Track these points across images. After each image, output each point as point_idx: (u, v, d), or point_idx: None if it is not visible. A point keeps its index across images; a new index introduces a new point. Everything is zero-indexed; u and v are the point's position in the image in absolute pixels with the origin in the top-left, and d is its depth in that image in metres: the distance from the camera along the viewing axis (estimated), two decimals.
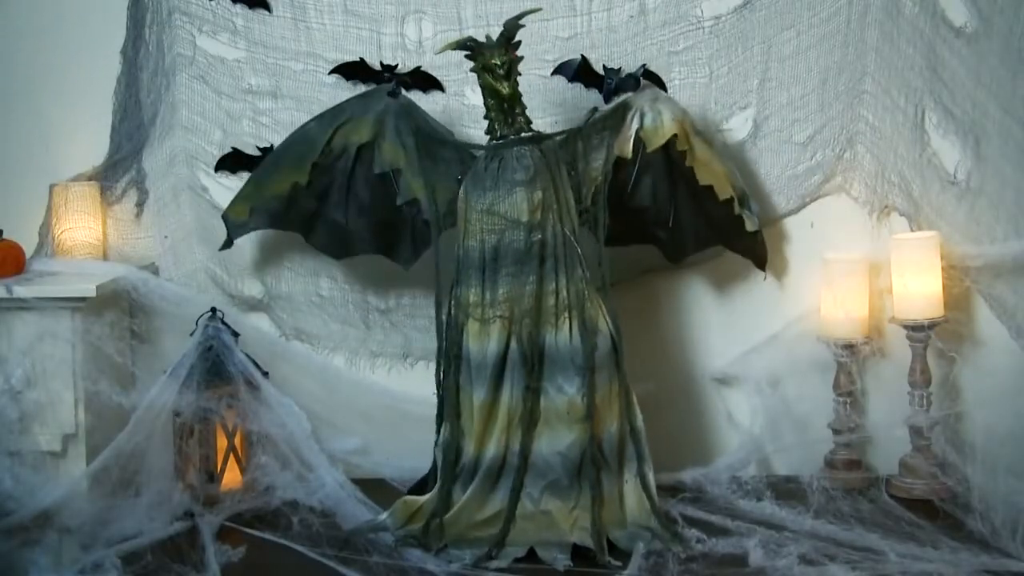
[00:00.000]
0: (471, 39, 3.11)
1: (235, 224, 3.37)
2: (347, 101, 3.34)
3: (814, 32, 3.46)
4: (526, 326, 2.98)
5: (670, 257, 3.44)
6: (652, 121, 3.19)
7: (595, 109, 3.27)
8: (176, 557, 2.85)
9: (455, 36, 3.49)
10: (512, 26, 3.08)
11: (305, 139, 3.30)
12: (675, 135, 3.18)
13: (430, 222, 3.20)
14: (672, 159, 3.22)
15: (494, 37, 3.09)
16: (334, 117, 3.30)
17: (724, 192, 3.25)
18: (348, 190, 3.32)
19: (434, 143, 3.24)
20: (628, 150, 3.19)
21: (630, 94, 3.30)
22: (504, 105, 3.07)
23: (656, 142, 3.18)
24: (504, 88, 3.04)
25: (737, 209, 3.27)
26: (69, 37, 3.58)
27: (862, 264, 3.39)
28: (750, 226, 3.29)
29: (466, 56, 3.10)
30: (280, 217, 3.38)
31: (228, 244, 3.40)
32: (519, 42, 3.09)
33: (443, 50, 3.16)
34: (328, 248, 3.45)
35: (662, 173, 3.25)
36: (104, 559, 2.83)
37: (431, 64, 3.51)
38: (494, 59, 3.04)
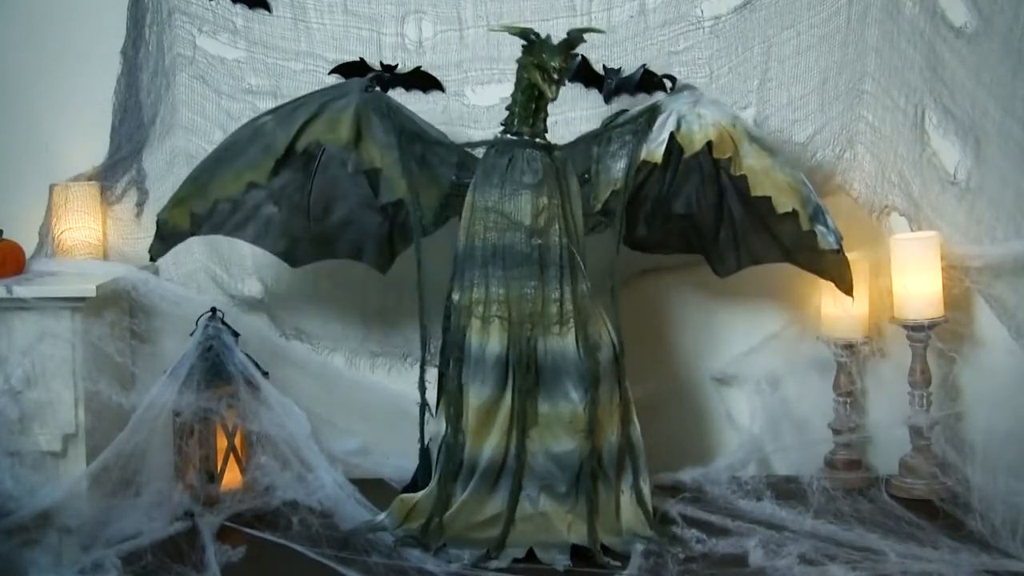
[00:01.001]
0: (535, 32, 3.00)
1: (172, 231, 3.11)
2: (308, 97, 3.15)
3: (814, 32, 3.46)
4: (526, 330, 2.94)
5: (717, 270, 3.33)
6: (689, 125, 3.01)
7: (622, 112, 3.20)
8: (176, 557, 2.85)
9: (455, 36, 3.50)
10: (577, 37, 3.01)
11: (261, 136, 3.07)
12: (710, 141, 3.00)
13: (413, 225, 3.08)
14: (720, 166, 3.08)
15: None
16: (295, 113, 3.07)
17: (784, 204, 3.00)
18: (313, 191, 3.19)
19: (420, 143, 3.11)
20: (659, 155, 3.02)
21: (662, 96, 3.21)
22: (537, 106, 2.99)
23: (693, 147, 3.01)
24: (551, 93, 2.95)
25: (807, 224, 3.01)
26: (69, 37, 3.58)
27: (862, 264, 3.38)
28: (824, 244, 3.03)
29: (523, 46, 3.00)
30: (224, 221, 3.19)
31: (159, 253, 3.15)
32: (578, 55, 3.03)
33: (502, 29, 3.05)
34: (285, 254, 3.31)
35: (708, 180, 3.13)
36: (104, 559, 2.82)
37: (431, 64, 3.51)
38: (553, 62, 2.93)
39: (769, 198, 3.01)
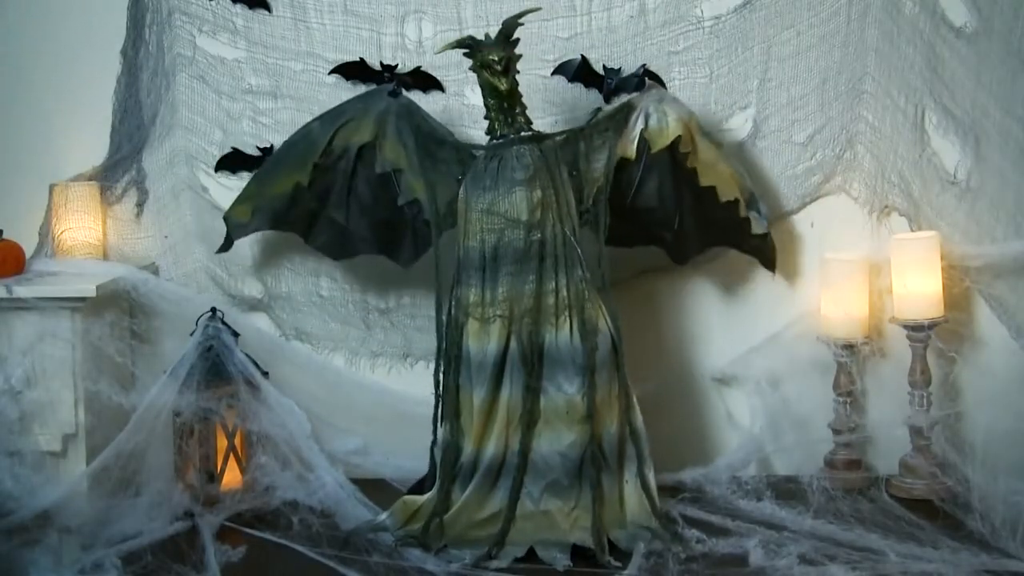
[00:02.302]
0: (470, 37, 3.12)
1: (237, 225, 3.38)
2: (348, 102, 3.34)
3: (814, 32, 3.46)
4: (526, 325, 2.97)
5: (675, 258, 3.42)
6: (657, 122, 3.18)
7: (599, 109, 3.27)
8: (176, 557, 2.85)
9: (455, 36, 3.49)
10: (510, 24, 3.08)
11: (307, 139, 3.30)
12: (679, 136, 3.16)
13: (431, 222, 3.19)
14: (677, 160, 3.21)
15: (494, 36, 3.09)
16: (335, 118, 3.29)
17: (727, 194, 3.23)
18: (349, 190, 3.32)
19: (434, 143, 3.23)
20: (632, 151, 3.17)
21: (635, 94, 3.29)
22: (503, 103, 3.07)
23: (661, 143, 3.17)
24: (502, 84, 3.04)
25: (743, 211, 3.25)
26: (69, 37, 3.58)
27: (862, 264, 3.39)
28: (757, 228, 3.29)
29: (465, 54, 3.10)
30: (281, 218, 3.38)
31: (227, 246, 3.42)
32: (517, 40, 3.09)
33: (443, 50, 3.17)
34: (327, 248, 3.45)
35: (667, 174, 3.23)
36: (104, 559, 2.83)
37: (431, 64, 3.51)
38: (491, 55, 3.03)
39: (714, 188, 3.22)
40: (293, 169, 3.30)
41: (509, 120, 3.08)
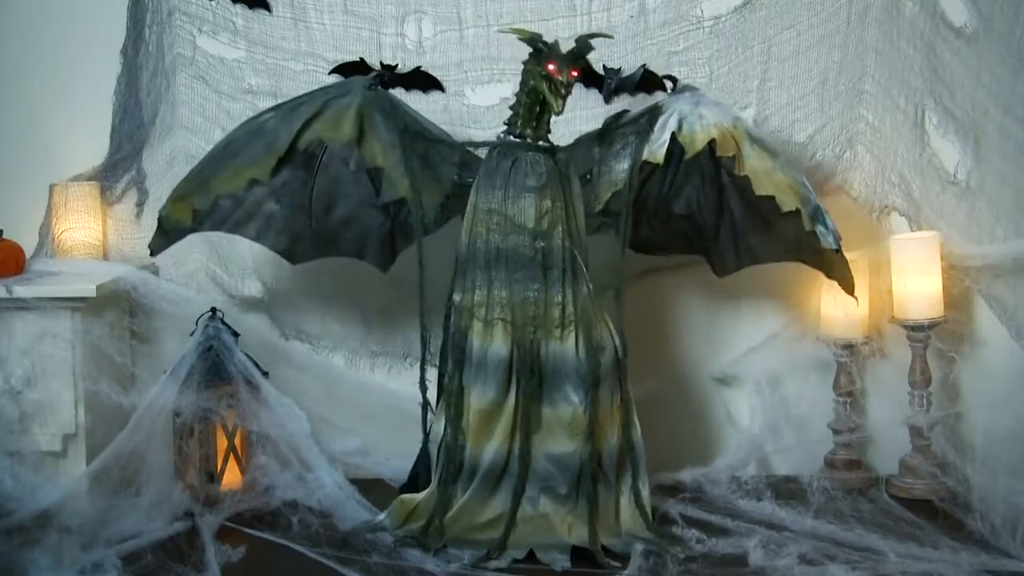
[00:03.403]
0: (543, 40, 2.97)
1: (174, 227, 3.11)
2: (310, 95, 3.15)
3: (814, 32, 3.46)
4: (528, 332, 2.94)
5: (716, 270, 3.33)
6: (690, 126, 3.01)
7: (624, 112, 3.19)
8: (176, 557, 2.85)
9: (455, 36, 3.50)
10: (585, 45, 2.97)
11: (263, 134, 3.07)
12: (713, 140, 2.99)
13: (414, 224, 3.07)
14: (723, 167, 3.07)
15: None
16: (297, 111, 3.07)
17: (787, 204, 3.00)
18: (315, 189, 3.19)
19: (423, 142, 3.10)
20: (661, 155, 3.03)
21: (664, 97, 3.19)
22: (543, 115, 2.98)
23: (694, 147, 3.00)
24: (557, 106, 2.92)
25: (808, 224, 3.01)
26: (69, 37, 3.58)
27: (862, 264, 3.38)
28: (824, 244, 3.02)
29: (531, 53, 2.97)
30: (227, 218, 3.19)
31: (160, 248, 3.15)
32: (586, 62, 3.02)
33: (510, 32, 3.03)
34: (286, 251, 3.30)
35: (709, 181, 3.12)
36: (104, 559, 2.82)
37: (431, 64, 3.51)
38: (562, 76, 2.91)
39: (772, 197, 3.01)
40: (249, 165, 3.05)
41: (534, 124, 3.00)
